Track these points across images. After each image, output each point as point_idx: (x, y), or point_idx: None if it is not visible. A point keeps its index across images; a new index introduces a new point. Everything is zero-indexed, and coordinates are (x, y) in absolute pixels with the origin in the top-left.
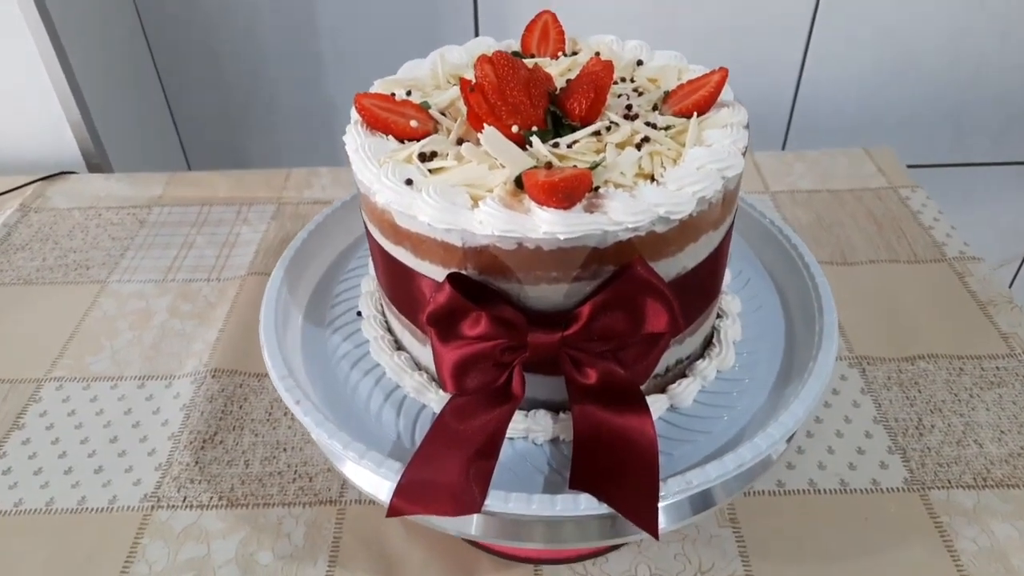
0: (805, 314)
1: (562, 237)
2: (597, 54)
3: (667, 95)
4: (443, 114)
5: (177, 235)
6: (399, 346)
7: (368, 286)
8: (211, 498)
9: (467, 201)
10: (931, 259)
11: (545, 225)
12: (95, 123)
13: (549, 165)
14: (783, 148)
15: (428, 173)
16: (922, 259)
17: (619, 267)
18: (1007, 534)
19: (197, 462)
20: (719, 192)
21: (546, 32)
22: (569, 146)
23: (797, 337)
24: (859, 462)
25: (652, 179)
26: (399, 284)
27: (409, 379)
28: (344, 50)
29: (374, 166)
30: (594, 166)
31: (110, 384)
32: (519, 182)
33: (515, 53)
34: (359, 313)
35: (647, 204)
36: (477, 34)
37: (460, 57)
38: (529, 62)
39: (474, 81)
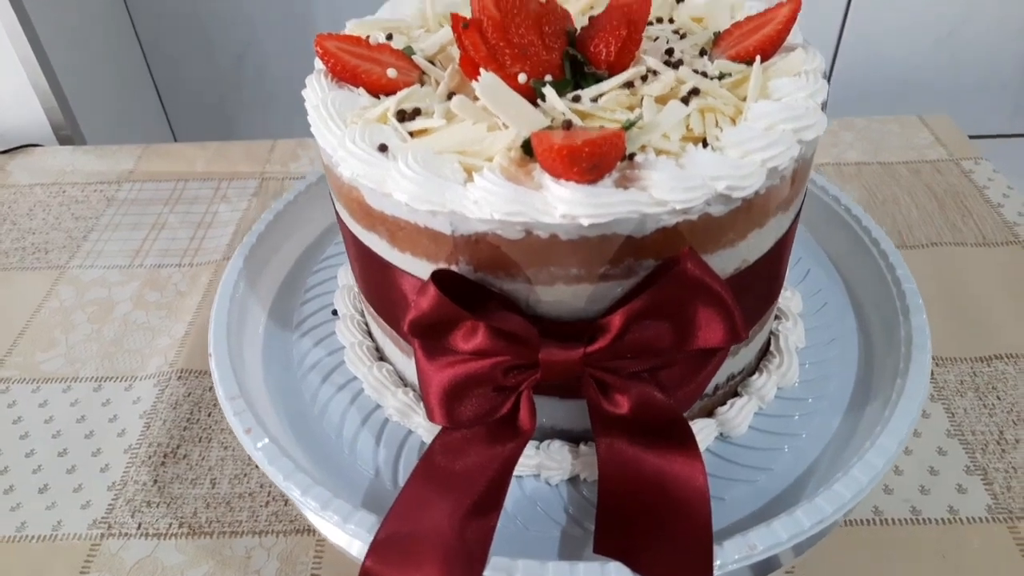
0: (882, 315)
1: (586, 223)
2: None
3: (718, 36)
4: (431, 62)
5: (147, 214)
6: (381, 356)
7: (346, 278)
8: (170, 525)
9: (458, 173)
10: (1002, 241)
11: (563, 206)
12: (65, 92)
13: (568, 125)
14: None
15: (408, 136)
16: (992, 241)
17: (662, 262)
18: None
19: (156, 481)
20: (794, 161)
21: None
22: (594, 100)
23: (874, 344)
24: (932, 485)
25: (704, 143)
26: (375, 280)
27: (392, 398)
28: (339, 14)
29: (338, 127)
30: (628, 126)
31: (62, 387)
32: (528, 148)
33: None
34: (334, 312)
35: (701, 177)
36: None
37: None
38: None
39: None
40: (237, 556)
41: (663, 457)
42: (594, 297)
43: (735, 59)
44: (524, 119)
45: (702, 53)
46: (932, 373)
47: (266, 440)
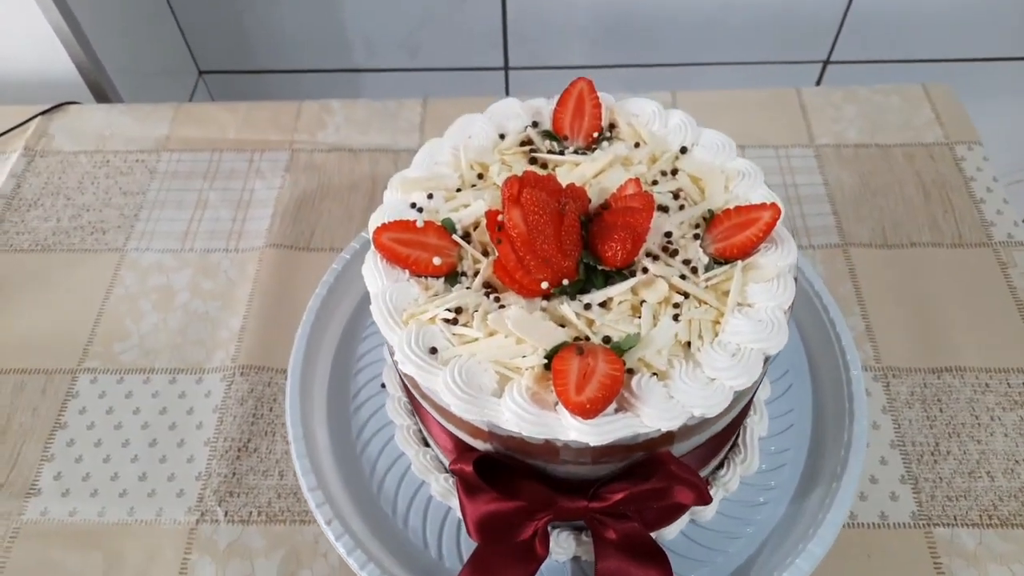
0: (833, 409)
1: (593, 444)
2: (637, 145)
3: (710, 221)
4: (467, 236)
5: (190, 190)
6: (425, 442)
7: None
8: (251, 513)
9: (494, 385)
10: (976, 243)
11: (574, 432)
12: (86, 34)
13: (580, 351)
14: (834, 41)
15: (453, 337)
16: (967, 242)
17: (649, 454)
18: None
19: (234, 473)
20: (760, 373)
21: (580, 105)
22: (602, 304)
23: (824, 436)
24: (871, 491)
25: (688, 347)
26: (423, 414)
27: (435, 482)
28: None
29: (398, 326)
30: (627, 348)
31: (142, 378)
32: (548, 364)
33: (546, 133)
34: (383, 385)
35: (681, 407)
36: None
37: (484, 135)
38: (561, 163)
39: (500, 217)
40: (307, 541)
41: (643, 570)
42: (596, 472)
43: (721, 255)
44: (545, 339)
45: (696, 236)
46: (888, 384)
47: (343, 531)
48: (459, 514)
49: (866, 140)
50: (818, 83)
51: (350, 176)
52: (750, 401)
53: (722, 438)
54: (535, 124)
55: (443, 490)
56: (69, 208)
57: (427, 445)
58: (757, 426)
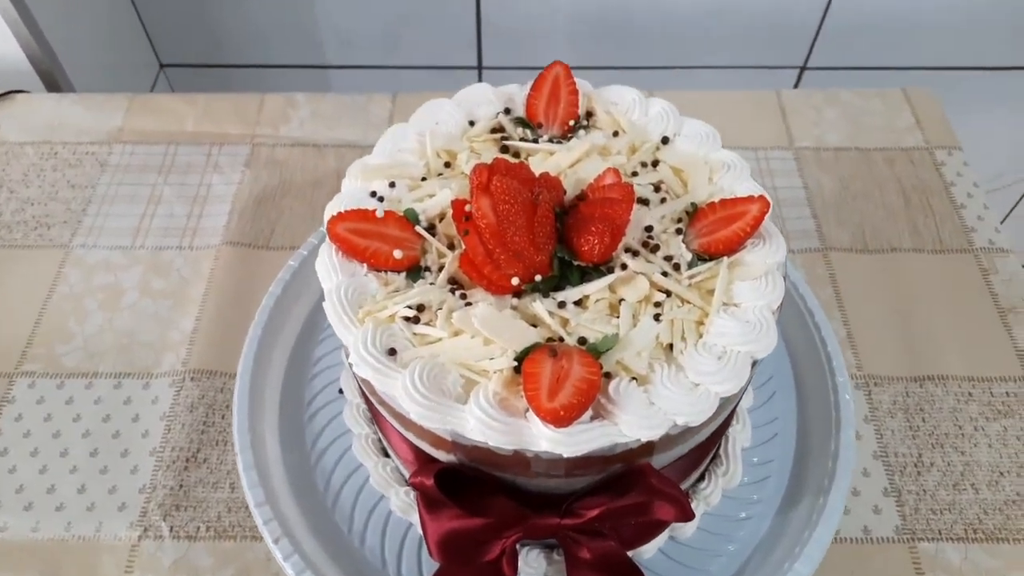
0: (819, 415)
1: (566, 455)
2: (615, 134)
3: (693, 215)
4: (431, 228)
5: (143, 184)
6: (385, 452)
7: None
8: (198, 528)
9: (458, 389)
10: (956, 248)
11: (546, 442)
12: (38, 21)
13: (554, 352)
14: (811, 46)
15: (414, 337)
16: (948, 247)
17: (627, 467)
18: None
19: (181, 485)
20: (748, 378)
21: (556, 91)
22: (577, 302)
23: (810, 446)
24: (853, 505)
25: (670, 349)
26: (383, 425)
27: (395, 496)
28: None
29: (353, 324)
30: (605, 350)
31: (85, 383)
32: (518, 368)
33: (518, 120)
34: (340, 391)
35: (663, 415)
36: None
37: (452, 122)
38: (535, 152)
39: (468, 207)
40: (259, 559)
41: None
42: (569, 485)
43: (705, 250)
44: (516, 340)
45: (678, 231)
46: (870, 393)
47: (291, 550)
48: (420, 531)
49: (846, 144)
50: (795, 88)
51: (314, 172)
52: (733, 409)
53: (704, 449)
54: (507, 111)
55: (403, 505)
56: (12, 202)
57: (387, 456)
58: (740, 436)
